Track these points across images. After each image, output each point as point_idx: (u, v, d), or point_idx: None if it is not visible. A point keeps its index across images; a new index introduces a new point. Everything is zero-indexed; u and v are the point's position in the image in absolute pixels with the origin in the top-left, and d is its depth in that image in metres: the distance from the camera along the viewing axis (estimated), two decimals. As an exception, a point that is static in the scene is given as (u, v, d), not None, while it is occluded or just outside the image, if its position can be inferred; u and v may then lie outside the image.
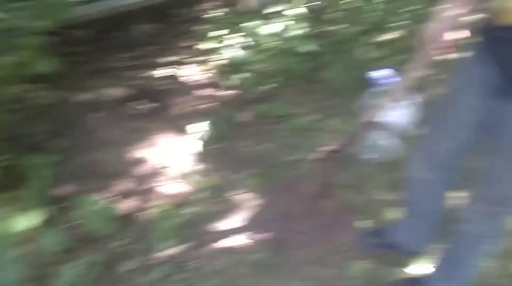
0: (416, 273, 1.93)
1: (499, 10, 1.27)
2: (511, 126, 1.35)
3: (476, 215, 1.56)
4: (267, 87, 2.86)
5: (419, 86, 2.94)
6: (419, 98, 2.52)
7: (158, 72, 3.15)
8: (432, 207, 1.77)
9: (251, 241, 2.05)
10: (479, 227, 1.58)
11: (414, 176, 1.78)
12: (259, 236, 2.07)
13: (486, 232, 1.59)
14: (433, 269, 1.83)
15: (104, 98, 2.81)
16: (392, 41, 3.52)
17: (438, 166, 1.63)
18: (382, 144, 2.42)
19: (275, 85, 2.88)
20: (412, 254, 1.98)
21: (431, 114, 1.67)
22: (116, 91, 2.87)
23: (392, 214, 2.19)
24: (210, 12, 3.42)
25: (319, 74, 3.00)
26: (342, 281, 1.91)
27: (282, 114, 2.74)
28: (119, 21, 3.55)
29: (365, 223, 2.15)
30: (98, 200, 2.06)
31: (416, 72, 1.54)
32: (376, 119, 1.91)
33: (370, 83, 2.82)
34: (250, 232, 2.09)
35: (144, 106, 2.80)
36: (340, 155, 2.43)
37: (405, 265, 1.98)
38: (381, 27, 3.48)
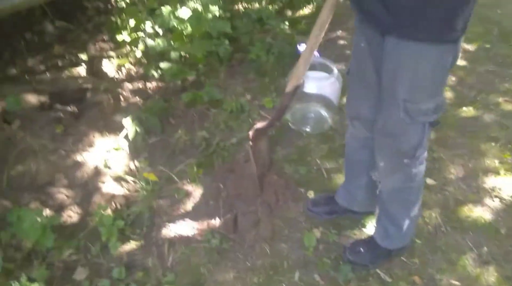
0: (368, 233, 2.01)
1: None
2: (386, 70, 1.45)
3: (388, 170, 1.64)
4: (192, 74, 2.82)
5: (340, 56, 3.08)
6: (341, 68, 2.62)
7: (77, 70, 2.99)
8: (372, 164, 1.83)
9: (202, 229, 2.04)
10: (394, 181, 1.67)
11: (352, 138, 1.86)
12: (209, 223, 2.06)
13: (401, 184, 1.67)
14: (375, 228, 1.92)
15: (20, 106, 2.62)
16: (309, 16, 3.61)
17: (370, 124, 1.69)
18: (312, 115, 2.49)
19: (199, 71, 2.85)
20: (361, 215, 2.07)
21: (348, 80, 1.75)
22: (33, 97, 2.68)
23: (337, 180, 2.28)
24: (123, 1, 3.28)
25: (242, 56, 3.01)
26: (298, 252, 1.96)
27: (211, 99, 2.72)
28: (23, 21, 3.31)
29: (312, 193, 2.21)
30: (35, 213, 1.94)
31: (320, 31, 1.60)
32: (302, 91, 1.96)
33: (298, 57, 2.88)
34: (200, 221, 2.08)
35: (67, 108, 2.64)
36: (275, 131, 2.49)
37: (357, 227, 2.06)
38: (295, 3, 3.55)
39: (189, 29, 2.67)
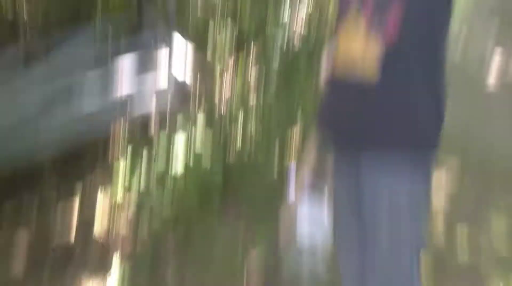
0: None
1: None
2: (369, 202, 1.43)
3: None
4: (181, 216, 2.82)
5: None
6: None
7: (70, 205, 2.98)
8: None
9: None
10: None
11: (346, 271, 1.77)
12: None
13: None
14: None
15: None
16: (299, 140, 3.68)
17: (360, 256, 1.57)
18: (307, 259, 2.44)
19: (190, 213, 2.85)
20: None
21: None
22: (21, 238, 2.66)
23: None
24: (118, 149, 3.35)
25: (235, 192, 3.02)
26: None
27: (202, 242, 2.68)
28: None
29: None
30: None
31: (309, 155, 1.64)
32: (295, 234, 1.94)
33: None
34: None
35: (56, 250, 2.62)
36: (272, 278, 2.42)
37: None
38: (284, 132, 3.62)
39: (184, 170, 2.76)
